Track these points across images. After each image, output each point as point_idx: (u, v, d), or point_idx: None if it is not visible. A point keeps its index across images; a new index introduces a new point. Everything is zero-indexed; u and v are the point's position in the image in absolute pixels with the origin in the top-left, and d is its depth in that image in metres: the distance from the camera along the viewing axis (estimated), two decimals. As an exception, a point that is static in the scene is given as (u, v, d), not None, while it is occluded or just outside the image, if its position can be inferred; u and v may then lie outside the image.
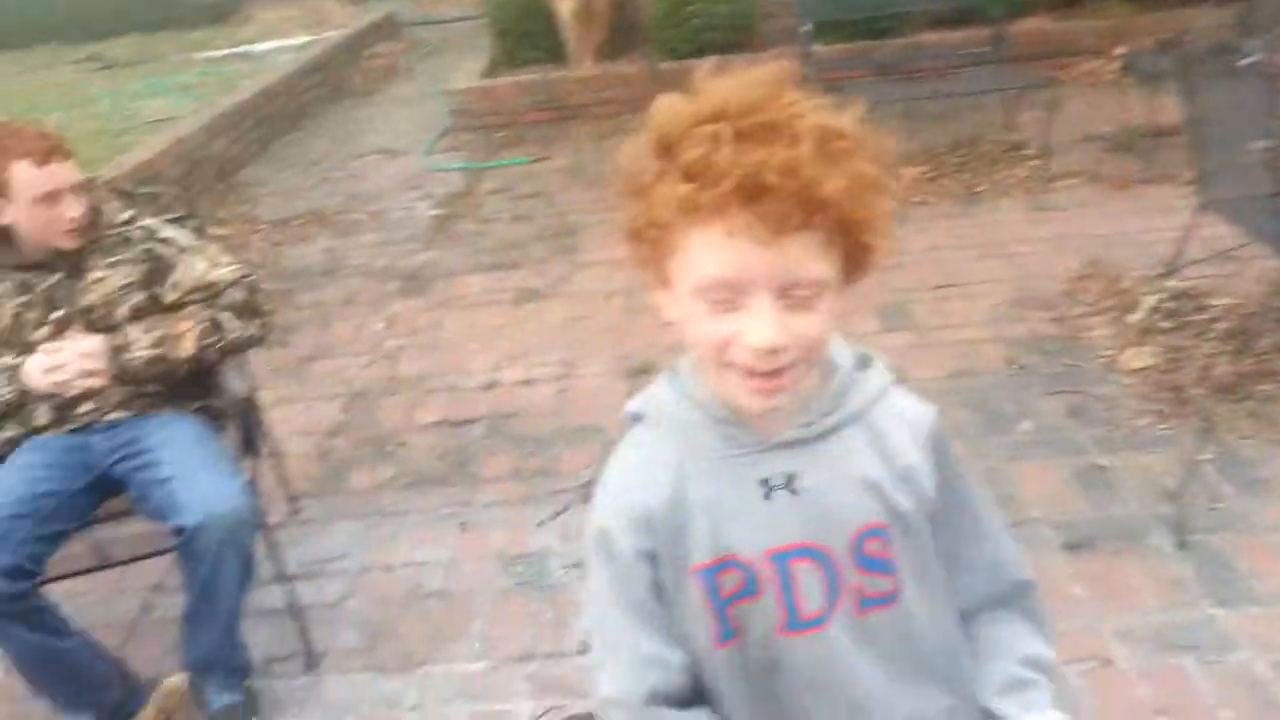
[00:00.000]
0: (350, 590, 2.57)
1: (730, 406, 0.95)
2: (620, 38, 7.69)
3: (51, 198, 2.12)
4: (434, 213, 5.32)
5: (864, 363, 1.02)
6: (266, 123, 7.18)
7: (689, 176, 0.84)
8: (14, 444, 2.25)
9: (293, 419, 3.41)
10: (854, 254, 0.89)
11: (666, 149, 0.87)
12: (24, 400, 2.22)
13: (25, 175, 2.09)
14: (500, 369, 3.58)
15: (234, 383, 2.40)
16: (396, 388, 3.55)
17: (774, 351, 0.86)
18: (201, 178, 5.98)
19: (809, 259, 0.85)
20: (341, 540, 2.76)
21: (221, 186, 6.10)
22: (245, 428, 2.41)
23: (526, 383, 3.46)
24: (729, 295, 0.86)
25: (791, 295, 0.86)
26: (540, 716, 2.12)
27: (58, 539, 2.11)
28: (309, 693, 2.26)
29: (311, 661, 2.34)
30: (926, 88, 5.44)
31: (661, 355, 3.57)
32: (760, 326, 0.85)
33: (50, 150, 2.12)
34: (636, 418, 1.02)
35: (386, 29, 10.81)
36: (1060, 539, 2.44)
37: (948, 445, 1.03)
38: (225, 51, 10.90)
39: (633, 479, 1.00)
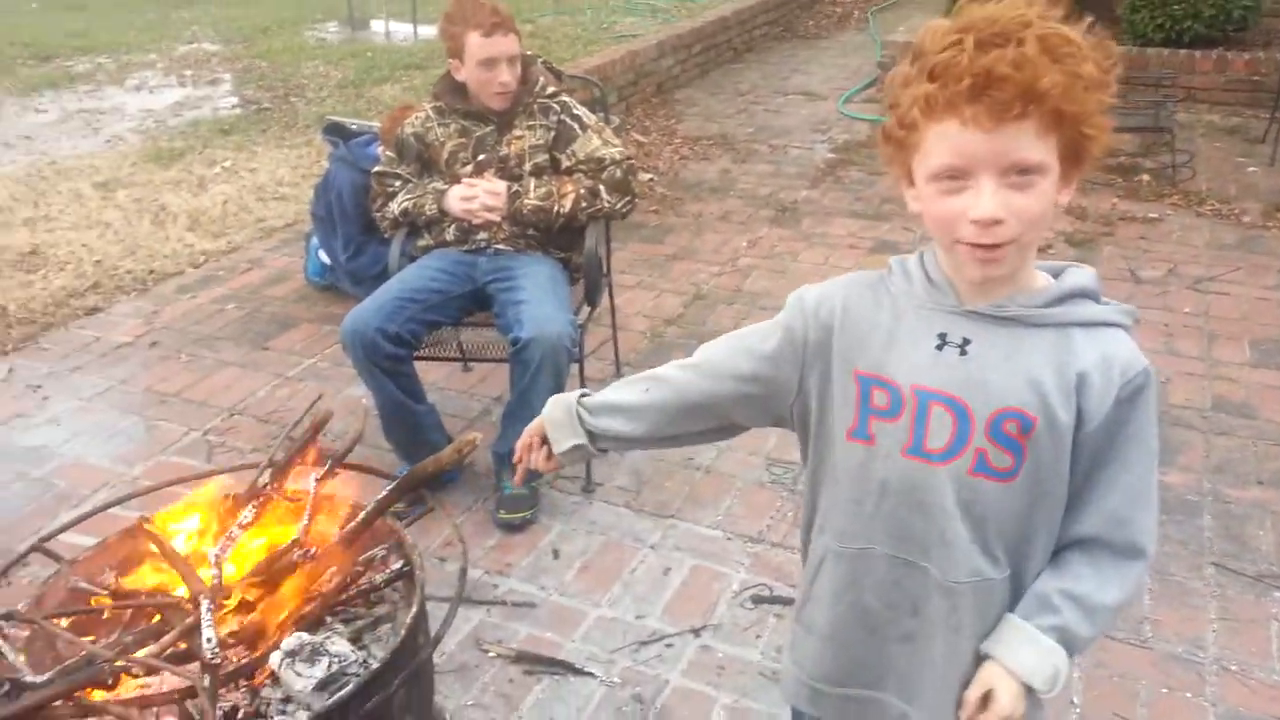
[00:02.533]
0: (637, 443, 2.96)
1: (953, 276, 1.11)
2: (1086, 13, 7.24)
3: (490, 63, 2.65)
4: (829, 156, 5.53)
5: (1096, 298, 1.11)
6: (713, 50, 7.75)
7: (932, 78, 1.00)
8: (426, 250, 2.87)
9: (642, 302, 3.87)
10: (1071, 144, 1.01)
11: (919, 58, 1.04)
12: (440, 218, 2.82)
13: (475, 42, 2.62)
14: (833, 304, 3.76)
15: (593, 244, 2.83)
16: (736, 299, 3.88)
17: (995, 223, 0.99)
18: (642, 89, 6.68)
19: (1026, 144, 0.98)
20: (645, 404, 3.15)
21: (656, 99, 6.76)
22: (591, 282, 2.85)
23: (852, 321, 3.61)
24: (958, 179, 1.01)
25: (1011, 177, 0.99)
26: (750, 588, 2.37)
27: (433, 326, 2.70)
28: (578, 509, 2.70)
29: (588, 487, 2.78)
30: None
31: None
32: (983, 201, 0.99)
33: (496, 24, 2.63)
34: (891, 267, 1.21)
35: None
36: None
37: (1143, 400, 1.08)
38: (703, -17, 11.74)
39: (847, 285, 1.20)
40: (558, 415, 1.34)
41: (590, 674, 2.14)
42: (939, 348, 1.10)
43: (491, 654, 2.20)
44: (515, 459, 1.39)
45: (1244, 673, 2.08)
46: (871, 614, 1.19)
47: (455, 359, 2.86)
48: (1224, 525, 2.52)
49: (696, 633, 2.24)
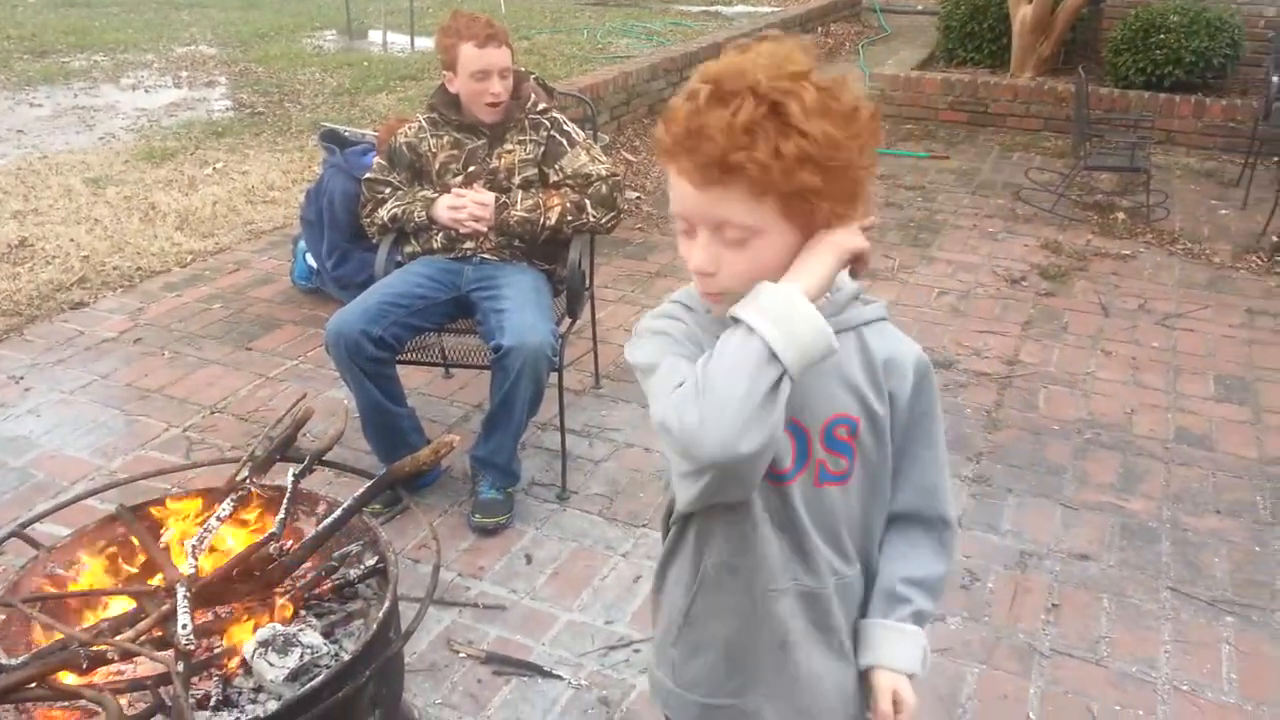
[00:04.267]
0: (612, 455, 3.02)
1: None
2: (1070, 54, 7.42)
3: (483, 74, 2.70)
4: (814, 182, 5.62)
5: (863, 297, 1.18)
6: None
7: (664, 122, 1.02)
8: (412, 257, 2.92)
9: (624, 316, 3.93)
10: (800, 209, 1.00)
11: (680, 94, 1.02)
12: (428, 226, 2.86)
13: (468, 53, 2.69)
14: (811, 326, 3.83)
15: (576, 257, 2.88)
16: (717, 315, 3.94)
17: (704, 275, 1.04)
18: (634, 109, 6.76)
19: (734, 208, 0.99)
20: (622, 417, 3.22)
21: (647, 120, 6.84)
22: (573, 294, 2.91)
23: (829, 343, 3.68)
24: (686, 225, 1.05)
25: (724, 234, 1.01)
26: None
27: (416, 331, 2.75)
28: (552, 516, 2.74)
29: (563, 495, 2.82)
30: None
31: (958, 357, 3.64)
32: (695, 254, 1.04)
33: (490, 36, 2.69)
34: (680, 300, 1.19)
35: (846, 9, 11.15)
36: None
37: (930, 381, 1.19)
38: (700, 9, 11.89)
39: (676, 308, 1.16)
40: None
41: (558, 676, 2.18)
42: None
43: (461, 654, 2.24)
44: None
45: (1195, 693, 2.14)
46: (750, 630, 1.22)
47: (437, 364, 2.91)
48: (1181, 551, 2.59)
49: (664, 640, 2.29)
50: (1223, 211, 5.28)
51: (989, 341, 3.75)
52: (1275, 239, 4.70)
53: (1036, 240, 4.78)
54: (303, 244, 4.07)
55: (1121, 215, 5.11)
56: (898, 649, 1.21)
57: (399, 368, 2.75)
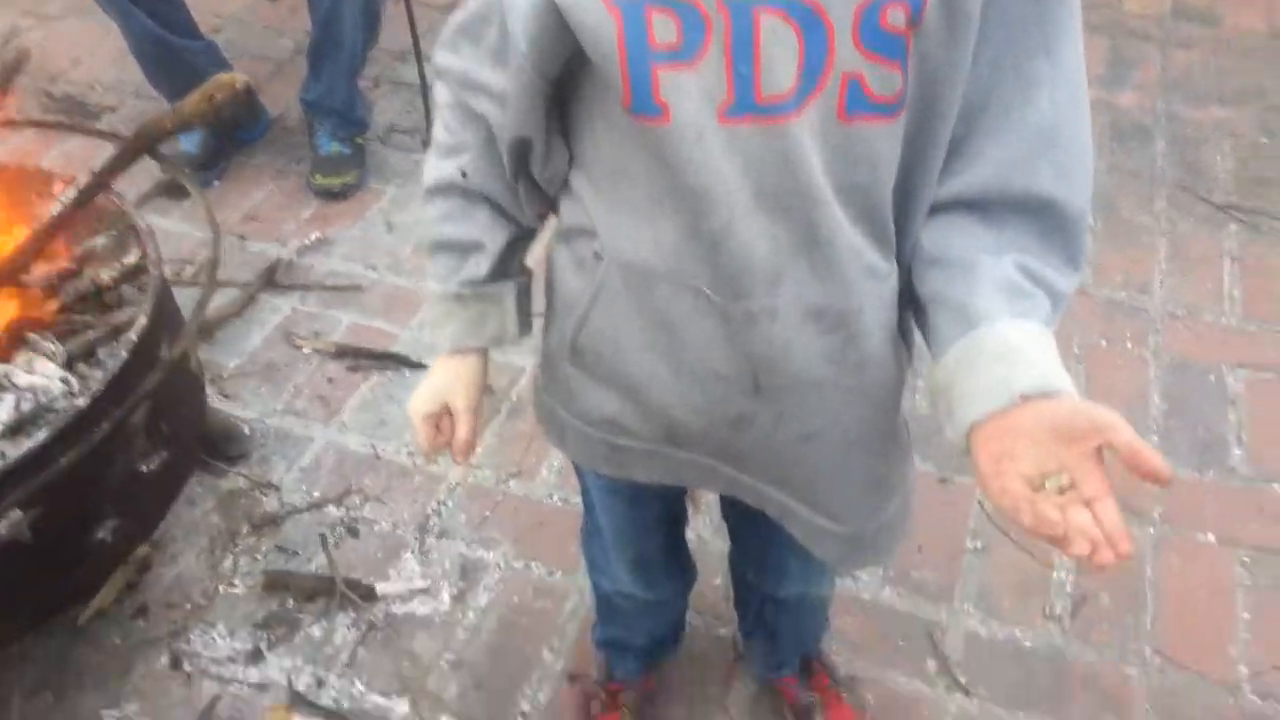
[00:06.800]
0: (487, 83, 2.42)
1: None
2: None
3: None
4: None
5: None
6: None
7: None
8: None
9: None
10: None
11: None
12: None
13: None
14: None
15: None
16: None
17: None
18: None
19: None
20: (499, 35, 2.57)
21: None
22: None
23: None
24: None
25: None
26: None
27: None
28: (417, 169, 2.18)
29: (429, 141, 2.25)
30: None
31: None
32: None
33: None
34: None
35: None
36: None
37: None
38: None
39: None
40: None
41: (427, 366, 1.76)
42: None
43: (306, 349, 1.80)
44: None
45: (1192, 316, 1.81)
46: (693, 379, 0.76)
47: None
48: (1179, 151, 2.16)
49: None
50: None
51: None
52: None
53: None
54: None
55: None
56: (1055, 361, 0.64)
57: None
